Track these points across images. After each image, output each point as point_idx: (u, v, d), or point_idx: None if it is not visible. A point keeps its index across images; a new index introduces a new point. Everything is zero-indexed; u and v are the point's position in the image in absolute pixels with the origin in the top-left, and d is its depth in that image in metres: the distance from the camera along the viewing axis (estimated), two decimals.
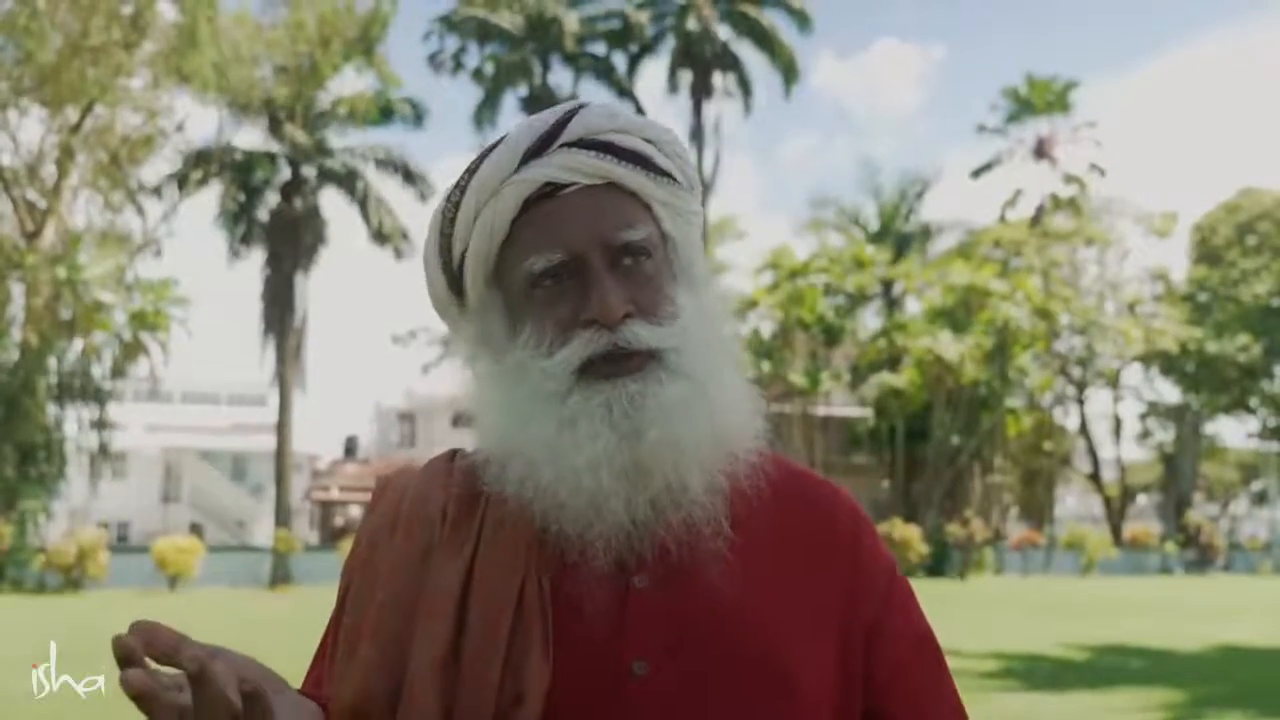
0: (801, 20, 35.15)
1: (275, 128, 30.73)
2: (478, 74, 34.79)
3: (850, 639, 1.05)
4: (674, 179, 1.08)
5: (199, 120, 72.62)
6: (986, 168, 40.49)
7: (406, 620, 1.00)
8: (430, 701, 0.96)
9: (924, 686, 1.08)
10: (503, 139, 1.06)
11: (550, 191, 1.03)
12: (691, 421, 0.98)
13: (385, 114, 31.54)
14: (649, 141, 1.07)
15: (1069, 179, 39.58)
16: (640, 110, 34.26)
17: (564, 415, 0.98)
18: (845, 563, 1.08)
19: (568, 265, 1.01)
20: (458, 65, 34.86)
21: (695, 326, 1.03)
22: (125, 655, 0.77)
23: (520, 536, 1.01)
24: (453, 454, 1.14)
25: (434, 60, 35.07)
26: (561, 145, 1.04)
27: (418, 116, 32.07)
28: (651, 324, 1.01)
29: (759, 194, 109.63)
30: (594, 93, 35.19)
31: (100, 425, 25.89)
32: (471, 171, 1.06)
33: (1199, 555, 34.85)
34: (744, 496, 1.04)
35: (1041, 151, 39.81)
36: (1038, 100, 39.44)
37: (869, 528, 1.12)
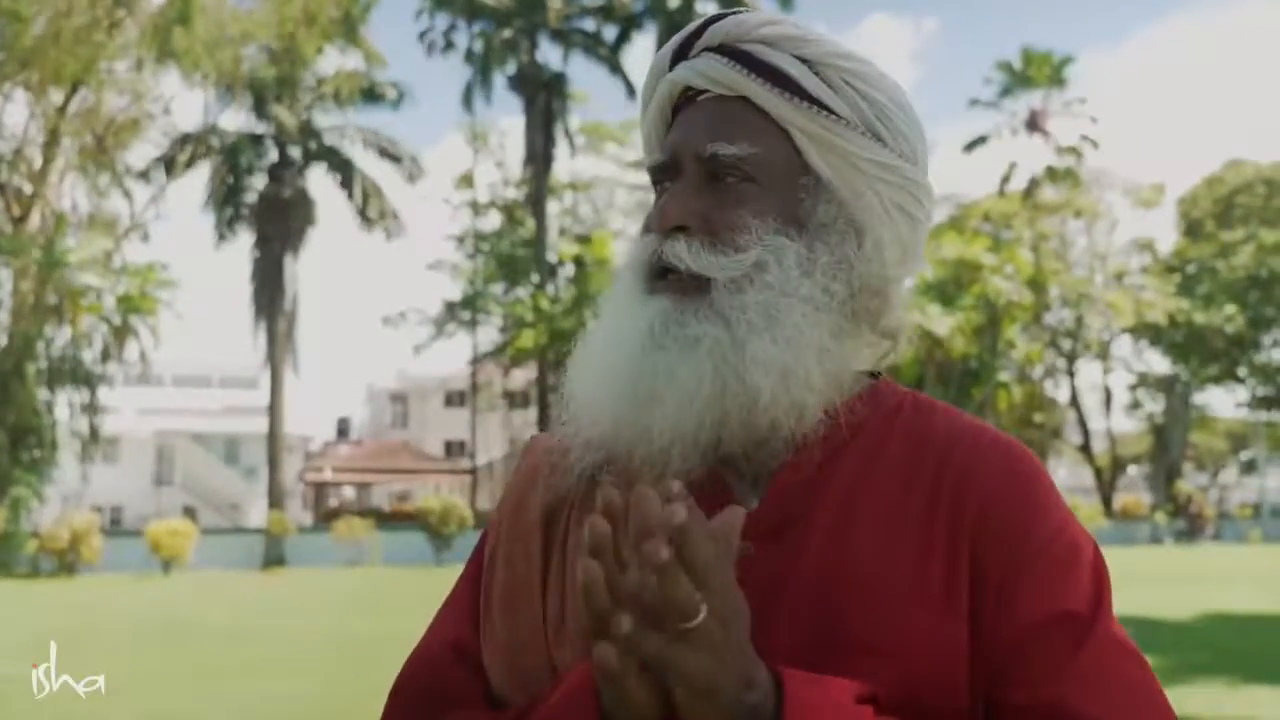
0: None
1: (261, 109, 30.59)
2: (468, 53, 34.62)
3: (983, 618, 0.91)
4: (827, 108, 0.96)
5: (184, 103, 72.19)
6: (979, 141, 40.41)
7: (542, 574, 0.99)
8: (546, 661, 0.96)
9: (1042, 671, 0.89)
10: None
11: (692, 96, 1.00)
12: (703, 366, 0.91)
13: (369, 95, 31.43)
14: (804, 60, 0.97)
15: (1064, 150, 39.53)
16: (630, 89, 34.16)
17: (617, 317, 0.97)
18: (984, 532, 0.93)
19: (670, 168, 0.98)
20: (449, 44, 34.68)
21: (773, 269, 0.93)
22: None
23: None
24: None
25: (424, 39, 34.89)
26: (703, 49, 0.99)
27: (399, 98, 31.94)
28: (706, 247, 0.93)
29: None
30: (585, 70, 35.00)
31: (91, 409, 25.86)
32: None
33: (1189, 525, 35.04)
34: (868, 453, 0.96)
35: (1034, 124, 39.75)
36: (1035, 74, 39.27)
37: (1031, 493, 0.96)
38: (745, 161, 0.95)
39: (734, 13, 1.00)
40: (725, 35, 0.98)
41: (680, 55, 1.01)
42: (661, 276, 0.95)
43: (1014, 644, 0.90)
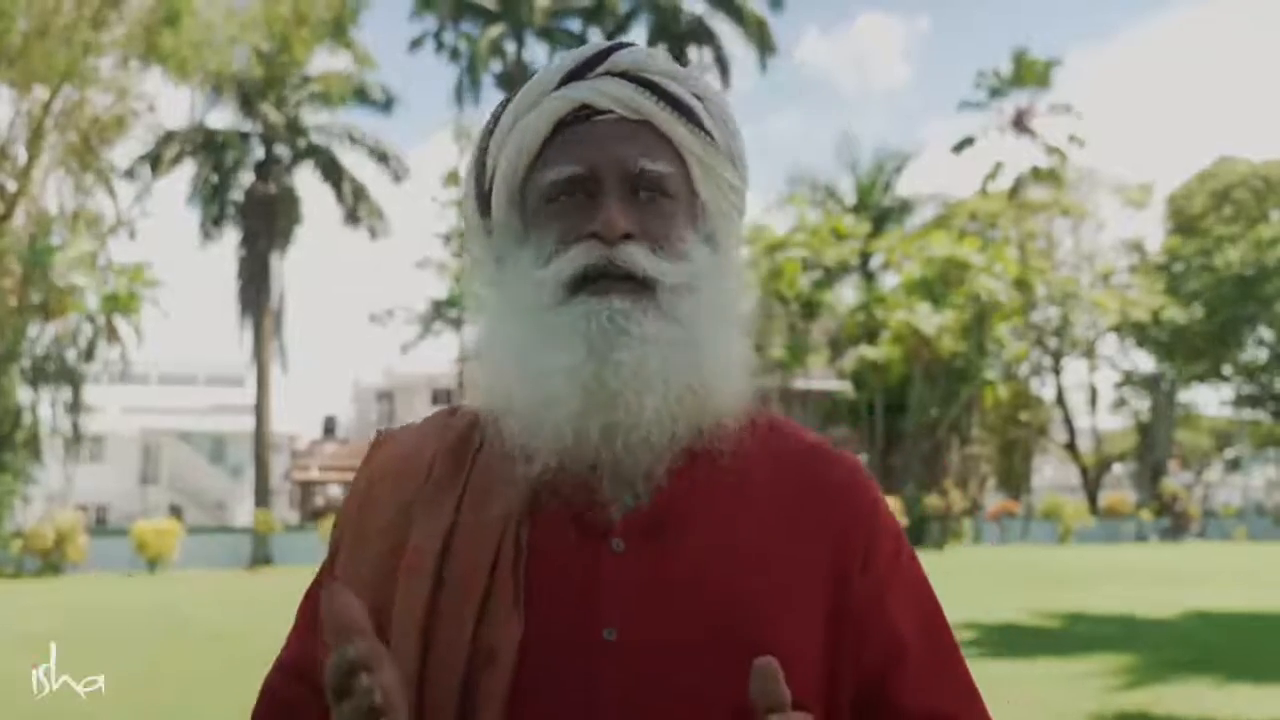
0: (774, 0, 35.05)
1: (248, 107, 30.51)
2: (454, 53, 34.59)
3: (842, 616, 1.00)
4: (715, 141, 1.05)
5: (170, 101, 71.89)
6: (968, 142, 40.47)
7: (392, 576, 0.99)
8: (407, 660, 0.95)
9: (930, 673, 1.04)
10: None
11: (586, 116, 1.03)
12: (668, 362, 0.95)
13: (359, 96, 31.39)
14: (697, 97, 1.05)
15: (1049, 150, 39.64)
16: None
17: (545, 325, 0.97)
18: (847, 543, 1.03)
19: (583, 182, 1.00)
20: (439, 45, 34.65)
21: (705, 279, 1.00)
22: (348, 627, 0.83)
23: (505, 493, 0.99)
24: (454, 409, 1.14)
25: (415, 40, 34.85)
26: (604, 73, 1.03)
27: (388, 102, 31.91)
28: (654, 254, 0.98)
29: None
30: None
31: (75, 408, 25.75)
32: (517, 90, 1.07)
33: (1174, 523, 35.20)
34: (738, 462, 1.01)
35: (1020, 124, 39.84)
36: (1026, 75, 39.29)
37: (880, 510, 1.08)
38: (666, 179, 1.01)
39: (629, 44, 1.06)
40: (630, 64, 1.03)
41: (575, 76, 1.04)
42: (600, 280, 0.97)
43: (893, 653, 1.02)
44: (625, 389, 0.94)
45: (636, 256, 0.97)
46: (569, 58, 1.05)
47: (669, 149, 1.03)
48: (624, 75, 1.03)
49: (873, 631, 1.01)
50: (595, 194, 1.00)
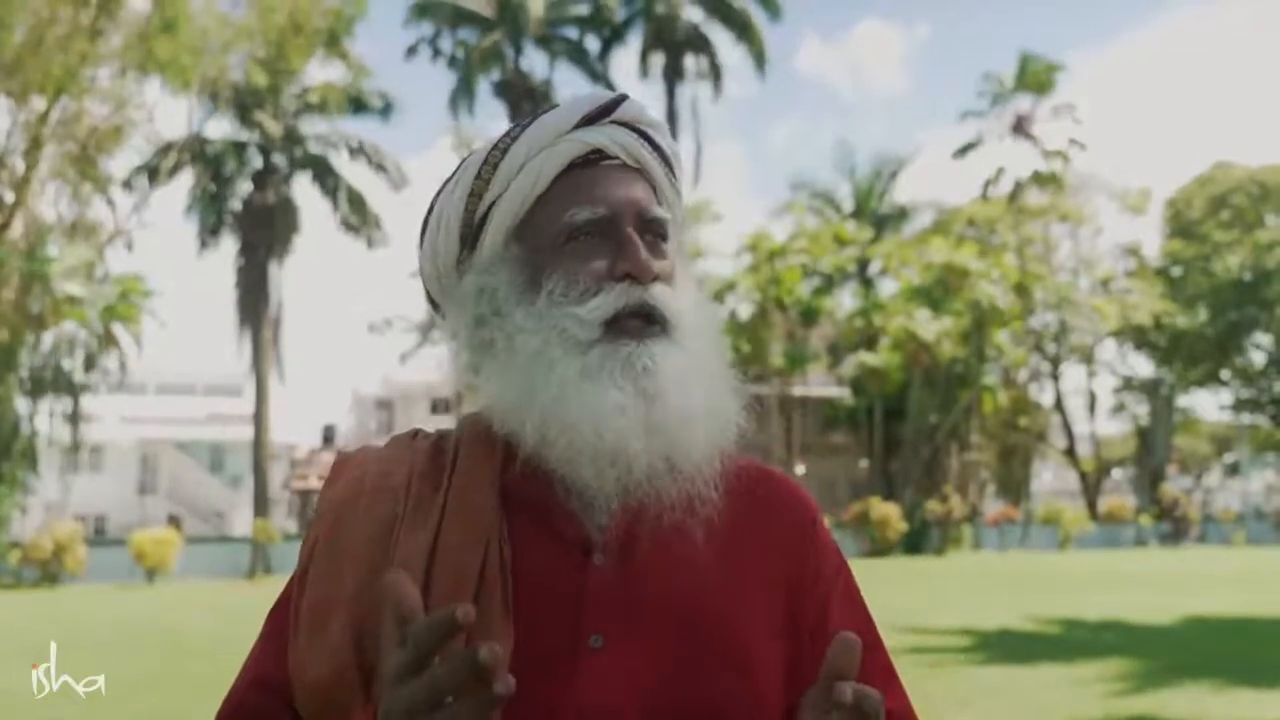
0: (771, 8, 35.09)
1: (246, 117, 30.52)
2: (452, 60, 34.62)
3: (798, 628, 1.07)
4: (678, 188, 1.17)
5: (167, 111, 71.97)
6: (969, 147, 40.47)
7: (375, 591, 0.98)
8: (353, 683, 0.96)
9: (870, 679, 1.04)
10: (556, 104, 1.13)
11: (594, 160, 1.09)
12: (695, 395, 1.02)
13: (356, 105, 31.40)
14: (669, 147, 1.16)
15: (1050, 154, 39.63)
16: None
17: (587, 363, 1.01)
18: (797, 558, 1.11)
19: (606, 224, 1.06)
20: (436, 52, 34.68)
21: (697, 314, 1.08)
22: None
23: (483, 510, 1.03)
24: (415, 433, 1.17)
25: (411, 47, 34.88)
26: (613, 121, 1.11)
27: (386, 108, 31.91)
28: (671, 294, 1.06)
29: (748, 179, 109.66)
30: (568, 77, 35.11)
31: (73, 418, 25.73)
32: (524, 126, 1.10)
33: (1173, 528, 35.21)
34: (699, 483, 1.05)
35: (1020, 129, 39.84)
36: (1031, 80, 39.25)
37: (821, 526, 1.16)
38: (666, 224, 1.10)
39: (627, 96, 1.14)
40: (632, 116, 1.12)
41: (590, 120, 1.10)
42: (633, 320, 1.04)
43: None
44: (672, 428, 1.01)
45: (666, 298, 1.05)
46: (584, 103, 1.11)
47: (656, 195, 1.12)
48: (627, 125, 1.11)
49: (822, 641, 1.03)
50: (611, 236, 1.06)
